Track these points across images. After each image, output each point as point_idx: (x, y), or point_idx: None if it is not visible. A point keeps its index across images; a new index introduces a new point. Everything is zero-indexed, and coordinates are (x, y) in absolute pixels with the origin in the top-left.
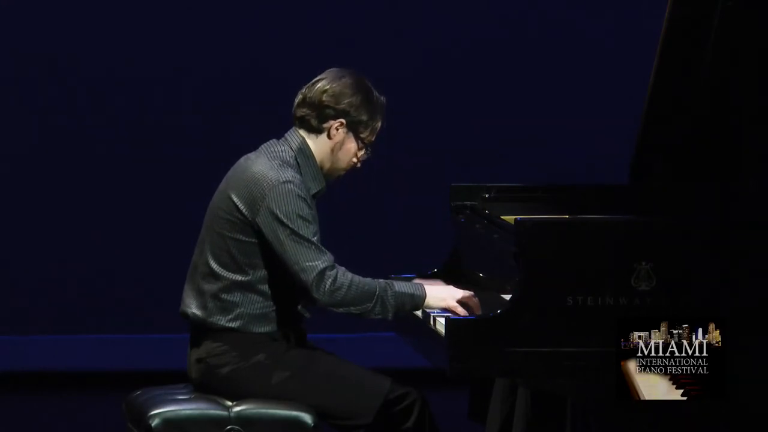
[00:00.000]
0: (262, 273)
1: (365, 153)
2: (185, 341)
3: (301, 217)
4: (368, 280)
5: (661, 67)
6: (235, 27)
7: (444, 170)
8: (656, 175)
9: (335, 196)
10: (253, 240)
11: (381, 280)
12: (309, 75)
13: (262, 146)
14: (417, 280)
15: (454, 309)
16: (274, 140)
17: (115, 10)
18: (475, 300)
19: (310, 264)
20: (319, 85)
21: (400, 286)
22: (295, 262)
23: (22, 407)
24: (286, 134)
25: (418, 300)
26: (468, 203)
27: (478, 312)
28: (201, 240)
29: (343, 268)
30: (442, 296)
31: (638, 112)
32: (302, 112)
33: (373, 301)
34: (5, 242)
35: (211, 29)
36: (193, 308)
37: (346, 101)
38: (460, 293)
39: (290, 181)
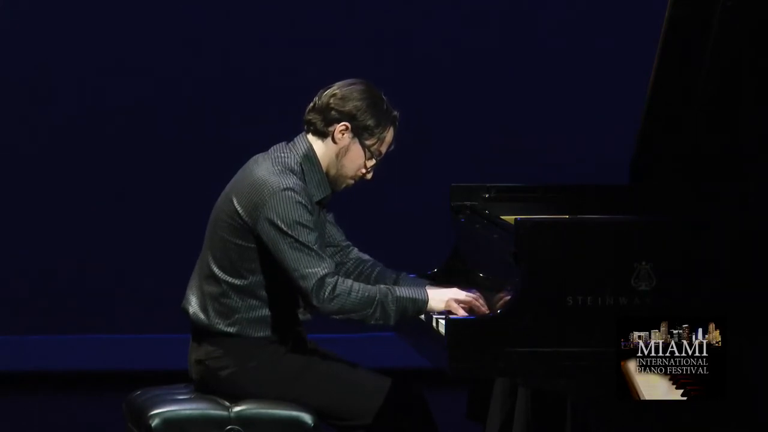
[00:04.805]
0: (261, 278)
1: (374, 163)
2: (185, 341)
3: (300, 224)
4: (369, 286)
5: (661, 67)
6: (239, 27)
7: (444, 170)
8: (656, 175)
9: (334, 196)
10: (252, 245)
11: (383, 286)
12: (316, 77)
13: (272, 149)
14: (430, 287)
15: (455, 311)
16: (284, 144)
17: (122, 11)
18: (478, 302)
19: (310, 271)
20: (328, 90)
21: (402, 291)
22: (295, 269)
23: (22, 407)
24: (295, 139)
25: (421, 304)
26: (468, 203)
27: (483, 312)
28: (206, 238)
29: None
30: (443, 299)
31: (638, 112)
32: (310, 116)
33: (373, 307)
34: (5, 242)
35: (216, 29)
36: (194, 308)
37: (351, 105)
38: (462, 294)
39: (291, 188)
